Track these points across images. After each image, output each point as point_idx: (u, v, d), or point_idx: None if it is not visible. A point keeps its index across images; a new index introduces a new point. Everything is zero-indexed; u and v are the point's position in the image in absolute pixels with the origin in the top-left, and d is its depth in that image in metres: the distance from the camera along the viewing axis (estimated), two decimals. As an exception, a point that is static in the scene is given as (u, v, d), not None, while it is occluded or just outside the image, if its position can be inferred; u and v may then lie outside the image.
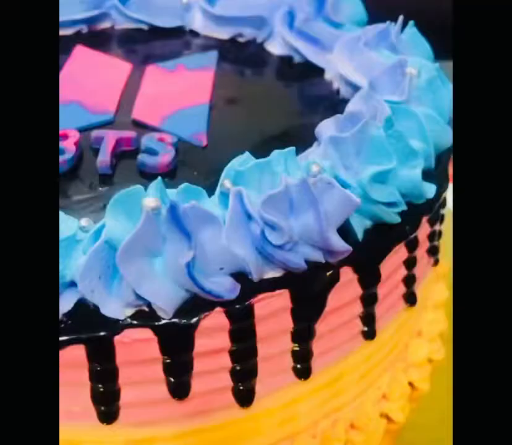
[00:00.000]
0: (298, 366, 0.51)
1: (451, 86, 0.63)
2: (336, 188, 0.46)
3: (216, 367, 0.48)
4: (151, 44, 0.81)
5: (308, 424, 0.55)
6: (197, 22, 0.83)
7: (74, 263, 0.43)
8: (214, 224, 0.44)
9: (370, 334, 0.56)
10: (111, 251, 0.43)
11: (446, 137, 0.58)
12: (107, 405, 0.46)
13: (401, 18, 0.68)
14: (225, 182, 0.46)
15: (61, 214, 0.46)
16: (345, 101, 0.66)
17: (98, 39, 0.80)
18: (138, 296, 0.44)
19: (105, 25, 0.82)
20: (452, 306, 0.48)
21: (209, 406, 0.49)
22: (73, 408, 0.47)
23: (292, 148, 0.50)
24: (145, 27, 0.82)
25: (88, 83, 0.68)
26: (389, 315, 0.58)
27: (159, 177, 0.45)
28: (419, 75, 0.59)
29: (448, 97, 0.61)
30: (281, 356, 0.51)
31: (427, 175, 0.55)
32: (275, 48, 0.79)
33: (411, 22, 0.69)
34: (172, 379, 0.46)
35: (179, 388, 0.47)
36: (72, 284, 0.44)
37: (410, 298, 0.60)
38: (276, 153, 0.49)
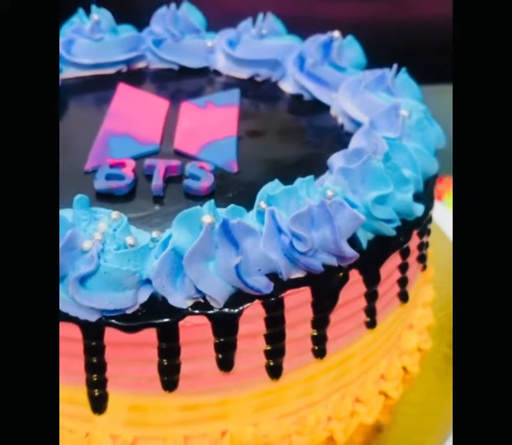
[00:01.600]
0: (316, 347, 0.61)
1: (436, 124, 0.73)
2: (347, 208, 0.56)
3: (253, 347, 0.58)
4: (180, 82, 0.89)
5: (322, 396, 0.65)
6: (220, 63, 0.90)
7: (148, 265, 0.53)
8: (254, 235, 0.54)
9: (371, 324, 0.64)
10: (176, 256, 0.53)
11: (432, 166, 0.68)
12: (169, 376, 0.56)
13: (395, 66, 0.77)
14: (260, 203, 0.57)
15: (133, 228, 0.57)
16: (348, 134, 0.74)
17: (135, 77, 0.88)
18: (197, 291, 0.54)
19: (141, 64, 0.90)
20: (452, 302, 0.53)
21: (247, 379, 0.59)
22: (142, 379, 0.57)
23: (311, 177, 0.60)
24: (175, 67, 0.90)
25: (135, 117, 0.77)
26: (387, 309, 0.66)
27: (212, 200, 0.55)
28: (410, 116, 0.68)
29: (433, 134, 0.70)
30: (303, 340, 0.60)
31: (417, 198, 0.64)
32: (287, 87, 0.86)
33: (403, 68, 0.78)
34: (220, 356, 0.56)
35: (225, 363, 0.57)
36: (147, 281, 0.53)
37: (403, 296, 0.68)
38: (299, 181, 0.59)
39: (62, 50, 0.85)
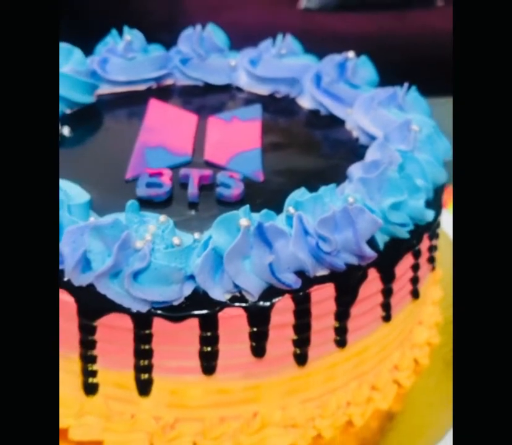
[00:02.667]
0: (338, 338, 0.66)
1: (444, 137, 0.79)
2: (366, 213, 0.61)
3: (283, 336, 0.63)
4: (205, 98, 0.94)
5: (342, 383, 0.70)
6: (242, 80, 0.95)
7: (192, 263, 0.60)
8: (285, 237, 0.60)
9: (387, 318, 0.69)
10: (216, 255, 0.60)
11: (441, 176, 0.74)
12: (209, 362, 0.62)
13: (406, 84, 0.83)
14: (289, 208, 0.63)
15: (176, 230, 0.64)
16: (363, 147, 0.79)
17: (164, 93, 0.93)
18: (234, 285, 0.60)
19: (169, 81, 0.95)
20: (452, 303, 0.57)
21: (276, 365, 0.65)
22: (184, 364, 0.63)
23: (333, 185, 0.67)
24: (201, 84, 0.95)
25: (168, 131, 0.82)
26: (400, 305, 0.71)
27: (248, 205, 0.61)
28: (421, 130, 0.74)
29: (442, 146, 0.76)
30: (326, 331, 0.65)
31: (427, 204, 0.69)
32: (305, 103, 0.91)
33: (413, 87, 0.85)
34: (254, 344, 0.62)
35: (258, 350, 0.63)
36: (191, 277, 0.60)
37: (415, 294, 0.74)
38: (323, 189, 0.65)
39: (97, 68, 0.91)
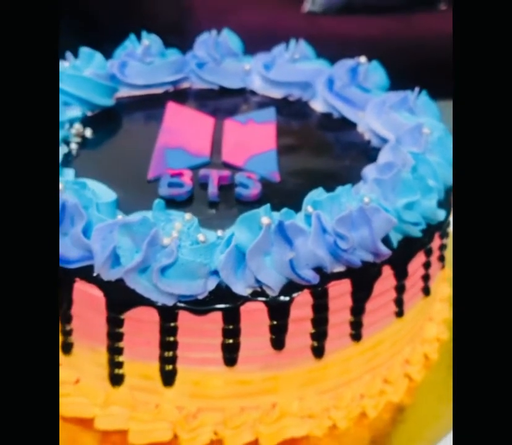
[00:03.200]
0: (353, 332, 0.68)
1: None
2: (382, 213, 0.64)
3: (301, 330, 0.66)
4: (220, 101, 0.97)
5: (356, 376, 0.73)
6: (256, 84, 0.98)
7: (215, 259, 0.62)
8: (304, 235, 0.63)
9: (400, 313, 0.72)
10: (238, 252, 0.62)
11: (451, 177, 0.75)
12: (230, 354, 0.65)
13: (417, 88, 0.86)
14: (308, 207, 0.66)
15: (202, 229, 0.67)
16: (375, 149, 0.83)
17: (181, 96, 0.96)
18: (256, 281, 0.62)
19: (185, 85, 0.98)
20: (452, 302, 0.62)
21: (294, 358, 0.67)
22: (207, 356, 0.65)
23: (349, 185, 0.69)
24: (216, 87, 0.98)
25: (186, 132, 0.85)
26: (412, 301, 0.73)
27: (268, 204, 0.64)
28: (432, 133, 0.76)
29: (451, 148, 0.78)
30: (343, 325, 0.67)
31: (439, 204, 0.72)
32: (317, 106, 0.94)
33: (424, 91, 0.87)
34: (274, 337, 0.65)
35: (278, 343, 0.65)
36: (214, 272, 0.62)
37: (426, 291, 0.76)
38: (340, 189, 0.68)
39: (116, 72, 0.94)
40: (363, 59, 0.93)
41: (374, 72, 0.94)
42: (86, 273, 0.65)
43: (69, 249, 0.65)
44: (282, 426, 0.70)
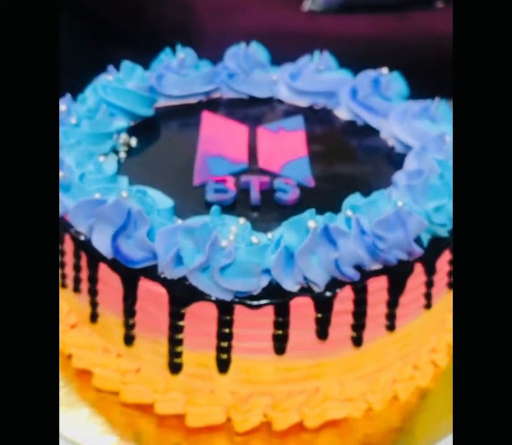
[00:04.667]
0: (388, 323, 0.74)
1: None
2: (414, 215, 0.70)
3: (343, 322, 0.72)
4: (249, 109, 1.03)
5: (389, 363, 0.79)
6: (283, 93, 1.03)
7: (267, 259, 0.69)
8: (346, 236, 0.70)
9: (428, 306, 0.77)
10: (287, 252, 0.69)
11: None
12: (280, 343, 0.72)
13: (437, 99, 0.93)
14: (347, 211, 0.73)
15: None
16: (399, 155, 0.89)
17: (213, 105, 1.02)
18: (304, 278, 0.69)
19: (217, 94, 1.04)
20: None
21: (336, 347, 0.74)
22: (259, 345, 0.72)
23: (383, 190, 0.77)
24: (245, 96, 1.04)
25: (224, 140, 0.91)
26: (439, 295, 0.79)
27: (313, 209, 0.71)
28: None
29: None
30: (379, 317, 0.73)
31: None
32: (342, 114, 0.99)
33: (444, 100, 0.94)
34: (319, 328, 0.72)
35: (322, 333, 0.72)
36: (266, 271, 0.69)
37: (451, 285, 0.81)
38: (375, 194, 0.75)
39: (154, 83, 1.01)
40: (385, 70, 0.99)
41: (395, 82, 1.00)
42: (150, 272, 0.71)
43: (134, 251, 0.72)
44: (325, 409, 0.77)
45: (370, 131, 0.96)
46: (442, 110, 0.93)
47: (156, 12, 2.39)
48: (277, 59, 1.07)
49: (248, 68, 1.04)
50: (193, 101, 1.02)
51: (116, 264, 0.72)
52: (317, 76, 1.03)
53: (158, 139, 0.96)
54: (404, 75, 1.01)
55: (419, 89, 1.03)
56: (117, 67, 0.98)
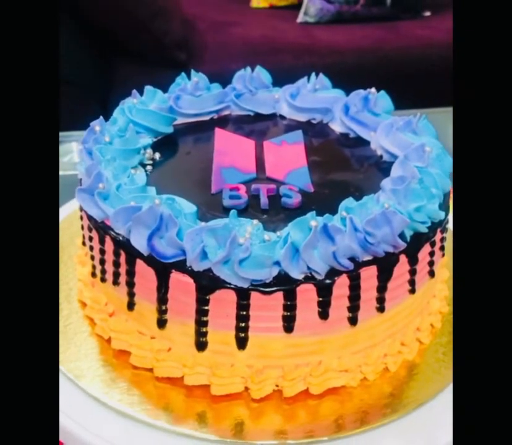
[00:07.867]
0: (378, 305, 0.83)
1: (448, 155, 0.98)
2: (398, 215, 0.78)
3: (341, 304, 0.81)
4: (255, 124, 1.15)
5: (380, 340, 0.91)
6: (284, 110, 1.12)
7: (277, 253, 0.81)
8: (342, 233, 0.83)
9: (412, 291, 0.87)
10: (293, 247, 0.82)
11: (447, 185, 0.94)
12: (289, 323, 0.83)
13: (418, 114, 1.05)
14: (342, 212, 0.88)
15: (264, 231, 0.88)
16: (387, 163, 1.00)
17: (224, 122, 1.14)
18: (307, 268, 0.81)
19: (226, 112, 1.16)
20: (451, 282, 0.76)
21: (335, 326, 0.85)
22: (271, 325, 0.83)
23: (373, 195, 0.92)
24: (252, 113, 1.15)
25: (235, 153, 1.03)
26: (422, 282, 0.88)
27: (314, 211, 0.85)
28: (432, 150, 0.95)
29: (447, 162, 0.96)
30: (371, 300, 0.82)
31: (440, 207, 0.84)
32: (336, 127, 1.08)
33: (424, 115, 1.06)
34: (320, 310, 0.83)
35: (324, 314, 0.83)
36: (276, 263, 0.81)
37: (432, 273, 0.90)
38: (366, 198, 0.89)
39: (173, 104, 1.14)
40: (373, 90, 1.13)
41: (382, 99, 1.12)
42: (180, 266, 0.84)
43: (165, 248, 0.85)
44: (326, 378, 0.89)
45: (361, 142, 1.05)
46: (423, 124, 1.06)
47: (160, 27, 2.53)
48: (274, 68, 1.18)
49: (253, 88, 1.16)
50: (206, 118, 1.11)
51: (151, 260, 0.82)
52: (314, 95, 1.14)
53: (177, 153, 1.07)
54: (394, 82, 1.12)
55: (411, 97, 1.17)
56: (124, 83, 1.10)
